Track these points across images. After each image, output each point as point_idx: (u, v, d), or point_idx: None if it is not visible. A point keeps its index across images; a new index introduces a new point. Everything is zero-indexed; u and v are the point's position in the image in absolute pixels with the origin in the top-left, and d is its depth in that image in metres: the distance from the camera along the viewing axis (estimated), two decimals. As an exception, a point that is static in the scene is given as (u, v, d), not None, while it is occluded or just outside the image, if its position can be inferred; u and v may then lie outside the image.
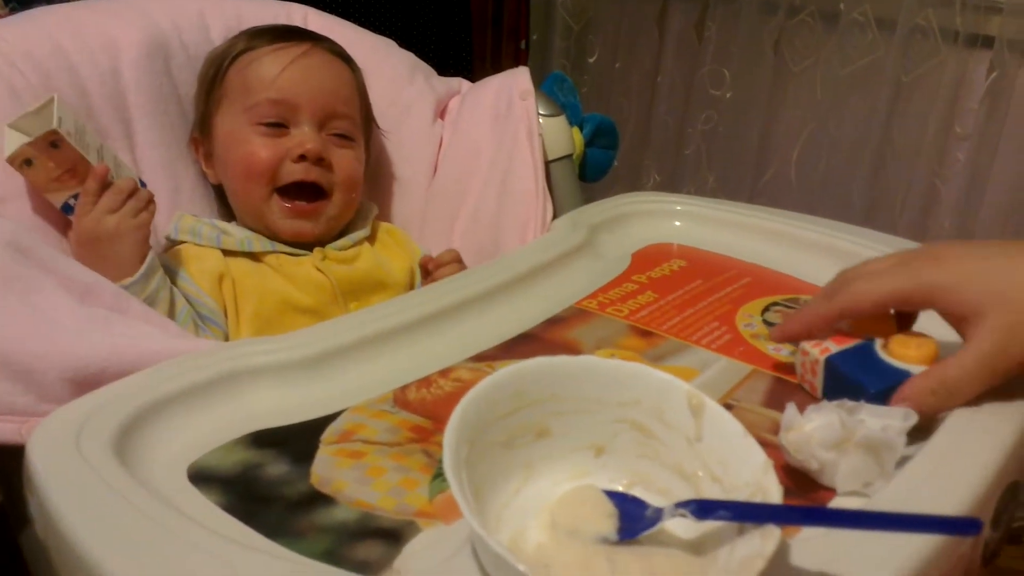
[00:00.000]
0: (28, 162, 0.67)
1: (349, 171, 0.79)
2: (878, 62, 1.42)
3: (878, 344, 0.53)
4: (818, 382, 0.54)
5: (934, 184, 1.43)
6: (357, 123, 0.82)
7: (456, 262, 0.81)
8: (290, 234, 0.78)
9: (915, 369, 0.51)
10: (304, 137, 0.77)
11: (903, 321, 0.55)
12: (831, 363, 0.53)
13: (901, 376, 0.51)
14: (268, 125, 0.77)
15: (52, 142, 0.67)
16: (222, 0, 0.87)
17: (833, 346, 0.54)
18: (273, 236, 0.79)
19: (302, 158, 0.76)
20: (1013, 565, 1.33)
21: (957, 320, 0.49)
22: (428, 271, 0.81)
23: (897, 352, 0.52)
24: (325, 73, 0.80)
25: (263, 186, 0.77)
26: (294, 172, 0.76)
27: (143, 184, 0.73)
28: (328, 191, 0.78)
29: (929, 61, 1.38)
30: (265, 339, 0.54)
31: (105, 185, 0.68)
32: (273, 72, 0.77)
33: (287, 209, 0.77)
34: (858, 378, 0.51)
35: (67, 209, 0.69)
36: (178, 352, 0.52)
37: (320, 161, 0.77)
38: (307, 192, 0.78)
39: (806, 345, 0.55)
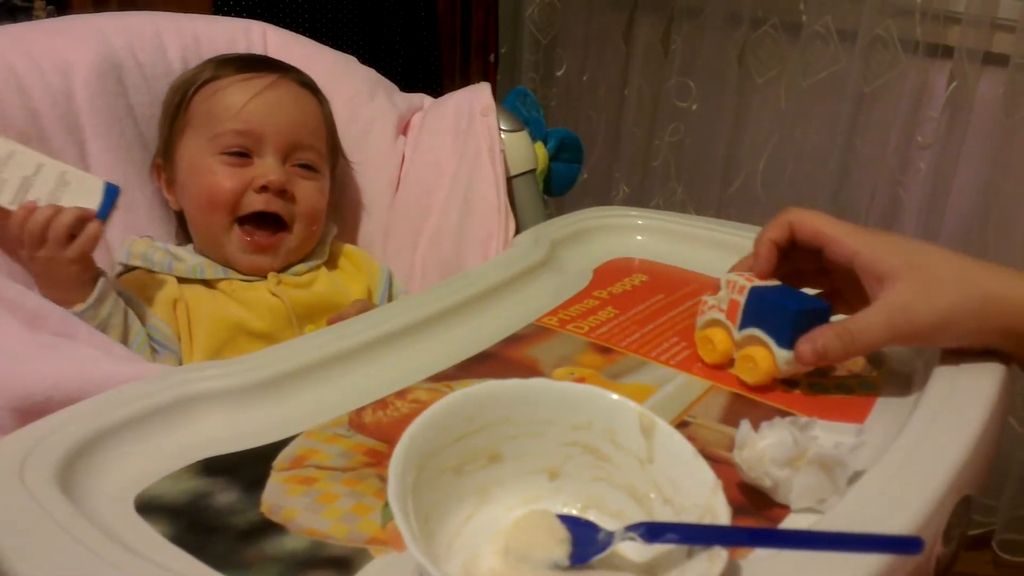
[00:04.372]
0: None
1: (311, 203, 0.79)
2: (840, 73, 1.44)
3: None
4: (739, 310, 0.59)
5: (897, 193, 1.45)
6: (322, 154, 0.82)
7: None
8: (248, 268, 0.78)
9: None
10: (267, 168, 0.76)
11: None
12: (755, 291, 0.58)
13: (817, 303, 0.58)
14: (232, 155, 0.76)
15: None
16: (179, 19, 0.86)
17: (757, 281, 0.59)
18: (229, 265, 0.78)
19: (264, 189, 0.76)
20: (980, 571, 1.34)
21: (873, 282, 0.53)
22: None
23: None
24: (291, 104, 0.79)
25: (224, 216, 0.76)
26: (255, 202, 0.76)
27: (112, 188, 0.68)
28: (289, 223, 0.78)
29: (890, 71, 1.40)
30: (216, 363, 0.53)
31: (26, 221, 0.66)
32: (239, 102, 0.76)
33: (247, 243, 0.77)
34: (780, 301, 0.57)
35: None
36: (127, 377, 0.51)
37: (282, 193, 0.77)
38: (268, 223, 0.78)
39: (735, 277, 0.60)
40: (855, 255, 0.54)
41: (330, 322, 0.78)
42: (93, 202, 0.67)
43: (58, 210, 0.66)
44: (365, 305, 0.80)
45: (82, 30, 0.79)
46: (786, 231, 0.58)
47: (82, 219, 0.66)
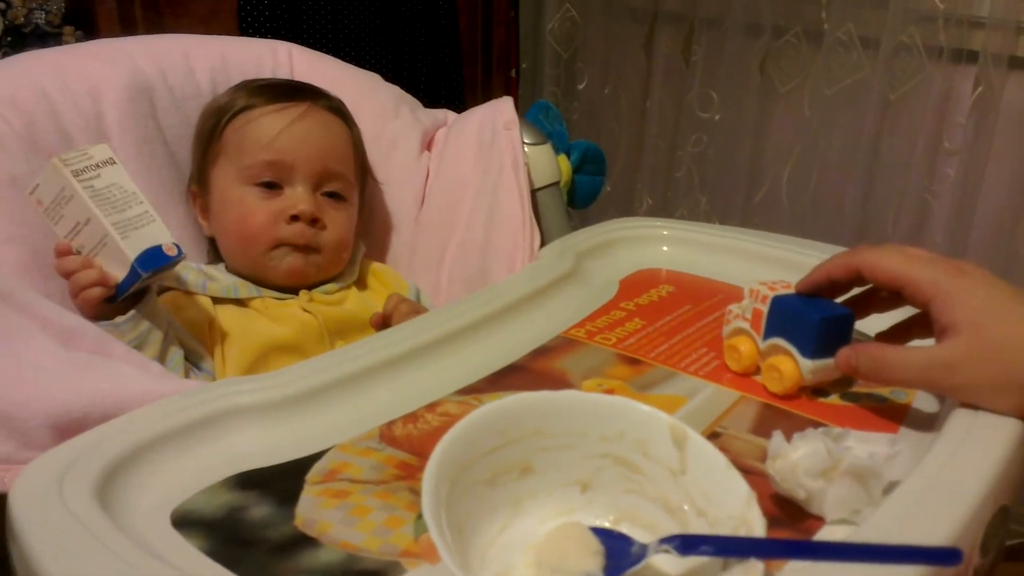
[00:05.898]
0: None
1: (340, 232, 0.80)
2: (864, 80, 1.43)
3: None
4: (763, 319, 0.59)
5: (925, 199, 1.43)
6: (351, 181, 0.83)
7: (404, 302, 0.79)
8: (286, 271, 0.78)
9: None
10: (297, 198, 0.77)
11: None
12: (777, 300, 0.58)
13: (841, 310, 0.57)
14: (262, 186, 0.77)
15: None
16: (206, 41, 0.87)
17: (780, 289, 0.59)
18: (264, 282, 0.79)
19: (295, 219, 0.77)
20: (1017, 582, 1.31)
21: (940, 329, 0.51)
22: (387, 324, 0.78)
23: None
24: (321, 133, 0.80)
25: (259, 247, 0.77)
26: (286, 234, 0.77)
27: (136, 269, 0.66)
28: (317, 249, 0.79)
29: (915, 78, 1.39)
30: (249, 378, 0.54)
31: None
32: (270, 133, 0.77)
33: (282, 252, 0.78)
34: (802, 310, 0.56)
35: None
36: (161, 393, 0.52)
37: (314, 222, 0.78)
38: (298, 248, 0.78)
39: (759, 286, 0.60)
40: (932, 300, 0.51)
41: (374, 324, 0.79)
42: (122, 271, 0.67)
43: (85, 264, 0.66)
44: (413, 306, 0.80)
45: (112, 54, 0.80)
46: (851, 272, 0.56)
47: (98, 284, 0.66)
